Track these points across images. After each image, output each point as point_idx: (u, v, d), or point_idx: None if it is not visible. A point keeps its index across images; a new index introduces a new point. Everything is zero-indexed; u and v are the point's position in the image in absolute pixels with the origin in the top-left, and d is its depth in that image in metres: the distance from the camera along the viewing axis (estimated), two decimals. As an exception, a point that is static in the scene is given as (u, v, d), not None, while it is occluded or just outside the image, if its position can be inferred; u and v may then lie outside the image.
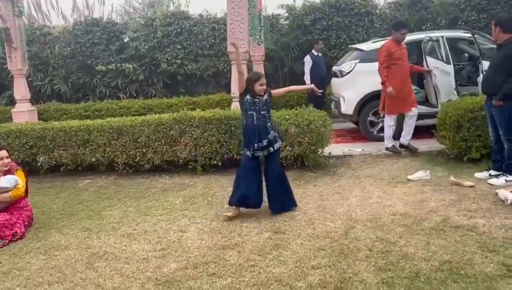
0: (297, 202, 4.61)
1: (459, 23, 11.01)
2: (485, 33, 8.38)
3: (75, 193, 5.76)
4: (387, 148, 6.59)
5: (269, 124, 4.38)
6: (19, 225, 4.18)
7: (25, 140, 6.57)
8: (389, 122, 6.60)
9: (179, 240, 3.91)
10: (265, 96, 4.36)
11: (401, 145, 6.63)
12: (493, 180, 4.91)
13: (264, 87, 4.33)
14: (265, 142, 4.31)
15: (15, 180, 4.26)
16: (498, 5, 10.49)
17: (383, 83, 6.47)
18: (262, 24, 8.66)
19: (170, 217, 4.55)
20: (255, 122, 4.32)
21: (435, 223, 3.90)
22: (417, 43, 8.22)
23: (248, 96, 4.33)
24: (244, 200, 4.38)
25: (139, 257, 3.61)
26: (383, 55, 6.42)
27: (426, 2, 11.63)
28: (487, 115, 5.17)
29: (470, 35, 7.47)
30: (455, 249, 3.37)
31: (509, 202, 4.21)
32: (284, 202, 4.48)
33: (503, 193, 4.38)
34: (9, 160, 4.42)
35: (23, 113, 9.76)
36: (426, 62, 7.39)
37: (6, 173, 4.37)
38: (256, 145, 4.30)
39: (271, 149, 4.36)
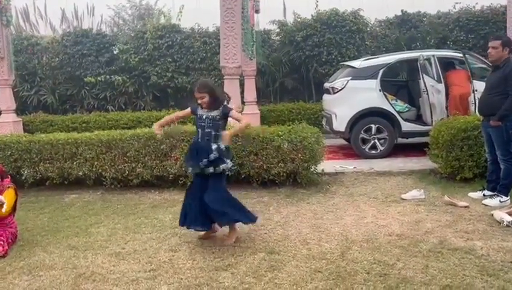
0: (291, 221, 4.53)
1: (448, 42, 11.16)
2: (473, 53, 8.50)
3: (61, 209, 5.56)
4: None
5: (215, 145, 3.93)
6: (1, 243, 3.97)
7: (9, 152, 6.35)
8: None
9: (170, 260, 3.77)
10: (214, 112, 3.97)
11: None
12: (487, 201, 4.89)
13: (204, 100, 3.90)
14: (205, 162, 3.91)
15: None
16: (486, 26, 10.68)
17: None
18: (254, 39, 8.65)
19: (160, 235, 4.40)
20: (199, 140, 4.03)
21: (432, 244, 3.84)
22: (410, 62, 8.30)
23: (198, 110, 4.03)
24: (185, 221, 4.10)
25: (128, 279, 3.46)
26: None
27: (416, 21, 11.80)
28: (484, 136, 5.16)
29: (460, 55, 7.57)
30: (454, 272, 3.30)
31: (505, 223, 4.18)
32: (233, 213, 4.02)
33: (498, 214, 4.35)
34: None
35: (8, 124, 9.54)
36: (424, 81, 7.43)
37: None
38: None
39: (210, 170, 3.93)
